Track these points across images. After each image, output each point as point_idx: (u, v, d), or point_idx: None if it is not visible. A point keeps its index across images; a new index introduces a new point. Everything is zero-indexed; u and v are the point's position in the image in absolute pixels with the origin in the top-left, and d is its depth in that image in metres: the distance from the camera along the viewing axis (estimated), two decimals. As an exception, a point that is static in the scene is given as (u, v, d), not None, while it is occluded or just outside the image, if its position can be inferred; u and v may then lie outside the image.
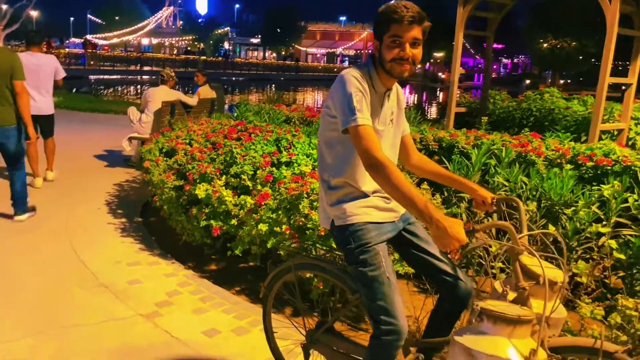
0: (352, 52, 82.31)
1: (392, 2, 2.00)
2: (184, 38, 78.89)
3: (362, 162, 1.92)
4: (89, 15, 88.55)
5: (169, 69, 7.85)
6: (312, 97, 36.97)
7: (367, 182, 2.09)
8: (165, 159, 4.76)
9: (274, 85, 45.00)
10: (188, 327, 3.19)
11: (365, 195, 2.10)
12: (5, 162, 4.89)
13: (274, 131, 4.65)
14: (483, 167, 4.03)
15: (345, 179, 2.10)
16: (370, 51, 2.13)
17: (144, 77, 41.59)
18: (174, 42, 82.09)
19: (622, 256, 2.72)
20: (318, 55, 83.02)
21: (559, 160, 3.96)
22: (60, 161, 6.93)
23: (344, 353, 2.38)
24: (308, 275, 3.15)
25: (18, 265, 3.96)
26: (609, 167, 3.63)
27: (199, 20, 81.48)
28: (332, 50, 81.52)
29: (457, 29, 5.88)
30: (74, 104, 14.28)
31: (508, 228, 1.91)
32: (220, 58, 57.77)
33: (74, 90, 23.80)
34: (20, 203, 4.92)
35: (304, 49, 79.12)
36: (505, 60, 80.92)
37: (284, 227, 3.46)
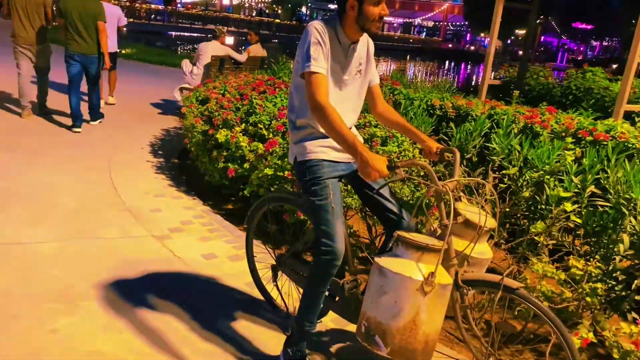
0: (430, 24, 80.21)
1: None
2: (263, 0, 79.60)
3: (308, 104, 2.22)
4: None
5: (220, 25, 8.25)
6: (381, 67, 36.61)
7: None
8: (199, 106, 5.19)
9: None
10: (191, 250, 3.63)
11: (324, 136, 2.39)
12: (86, 82, 6.48)
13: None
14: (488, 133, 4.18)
15: (307, 120, 2.39)
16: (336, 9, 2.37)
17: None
18: (253, 3, 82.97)
19: (579, 220, 2.87)
20: (395, 25, 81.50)
21: (563, 134, 4.06)
22: (120, 104, 7.56)
23: (303, 275, 2.72)
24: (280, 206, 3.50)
25: (61, 181, 4.55)
26: (605, 142, 3.71)
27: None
28: (410, 20, 79.70)
29: (496, 2, 5.89)
30: (146, 57, 15.10)
31: (426, 168, 2.17)
32: (294, 22, 57.96)
33: (157, 43, 24.87)
34: (95, 112, 6.71)
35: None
36: (594, 42, 76.27)
37: (286, 172, 3.81)
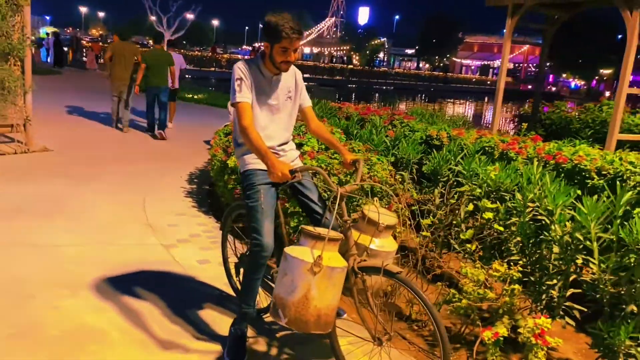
0: (510, 65, 79.17)
1: (280, 17, 2.80)
2: (341, 47, 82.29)
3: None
4: (261, 25, 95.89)
5: None
6: (458, 109, 36.61)
7: (259, 142, 2.93)
8: (223, 138, 5.90)
9: (416, 96, 45.28)
10: (189, 256, 4.24)
11: (257, 152, 2.95)
12: (158, 105, 9.54)
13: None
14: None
15: (243, 138, 2.96)
16: (262, 49, 2.94)
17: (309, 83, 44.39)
18: (333, 51, 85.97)
19: (500, 228, 3.19)
20: (473, 67, 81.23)
21: (535, 159, 4.35)
22: (176, 139, 8.52)
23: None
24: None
25: (103, 199, 5.37)
26: (564, 165, 3.98)
27: (358, 31, 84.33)
28: (488, 62, 79.07)
29: (505, 39, 6.26)
30: (214, 101, 16.40)
31: (320, 173, 2.66)
32: (367, 68, 59.35)
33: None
34: (162, 125, 9.65)
35: (459, 60, 78.03)
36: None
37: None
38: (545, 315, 2.83)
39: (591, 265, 2.93)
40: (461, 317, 3.27)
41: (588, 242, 2.90)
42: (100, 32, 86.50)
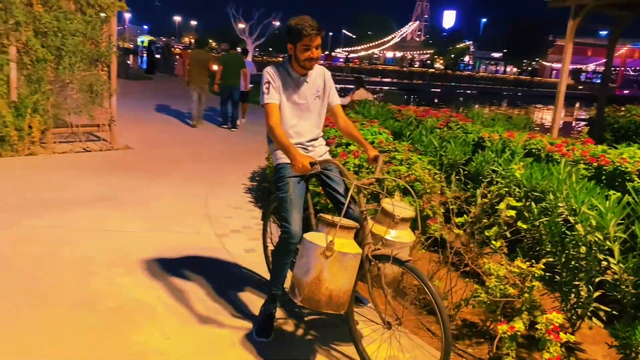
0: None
1: (299, 19, 3.05)
2: (425, 51, 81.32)
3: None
4: (344, 31, 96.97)
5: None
6: (537, 114, 35.17)
7: (290, 138, 3.18)
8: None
9: (499, 101, 43.89)
10: (238, 245, 4.57)
11: (289, 147, 3.20)
12: (231, 103, 11.28)
13: (359, 122, 5.76)
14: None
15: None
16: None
17: (382, 87, 44.51)
18: (415, 55, 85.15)
19: (524, 226, 3.23)
20: (564, 71, 77.23)
21: (581, 161, 4.30)
22: (246, 143, 8.99)
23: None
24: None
25: (169, 192, 5.84)
26: (605, 167, 3.92)
27: (443, 34, 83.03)
28: (581, 66, 75.00)
29: (566, 40, 6.14)
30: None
31: (338, 166, 2.86)
32: (449, 72, 58.28)
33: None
34: (234, 122, 11.41)
35: (549, 64, 74.67)
36: None
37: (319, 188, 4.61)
38: (558, 311, 2.87)
39: (612, 265, 2.92)
40: (485, 312, 3.35)
41: (608, 242, 2.90)
42: (192, 40, 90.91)
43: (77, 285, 3.62)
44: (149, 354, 2.90)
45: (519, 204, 3.31)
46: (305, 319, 3.44)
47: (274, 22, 25.54)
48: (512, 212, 3.24)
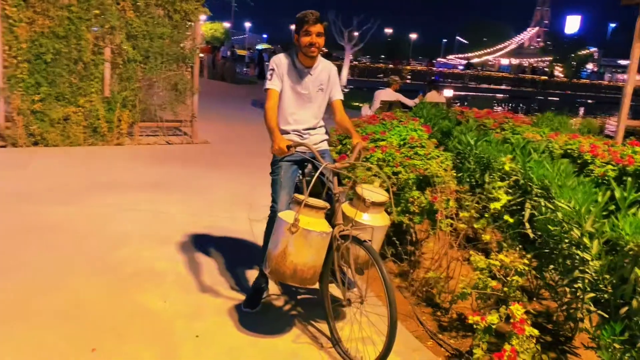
0: None
1: (303, 12, 3.27)
2: (543, 59, 77.19)
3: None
4: (457, 37, 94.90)
5: (394, 75, 9.45)
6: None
7: (287, 125, 3.40)
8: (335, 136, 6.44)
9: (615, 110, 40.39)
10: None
11: (286, 132, 3.42)
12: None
13: (402, 122, 5.83)
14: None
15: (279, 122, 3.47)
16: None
17: (497, 95, 42.76)
18: (533, 62, 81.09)
19: (511, 219, 3.16)
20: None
21: (612, 162, 4.10)
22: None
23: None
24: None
25: (224, 182, 6.29)
26: (628, 167, 3.72)
27: (564, 41, 78.32)
28: None
29: (634, 39, 5.78)
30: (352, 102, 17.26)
31: (311, 148, 3.04)
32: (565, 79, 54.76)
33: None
34: None
35: (688, 72, 67.48)
36: None
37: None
38: (521, 303, 2.82)
39: (591, 264, 2.81)
40: (479, 305, 3.33)
41: (585, 239, 2.80)
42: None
43: (108, 254, 4.10)
44: (141, 312, 3.26)
45: (509, 197, 3.27)
46: (298, 297, 3.64)
47: (372, 29, 25.76)
48: (498, 205, 3.21)
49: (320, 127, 3.56)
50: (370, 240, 2.83)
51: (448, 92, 17.85)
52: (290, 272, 2.87)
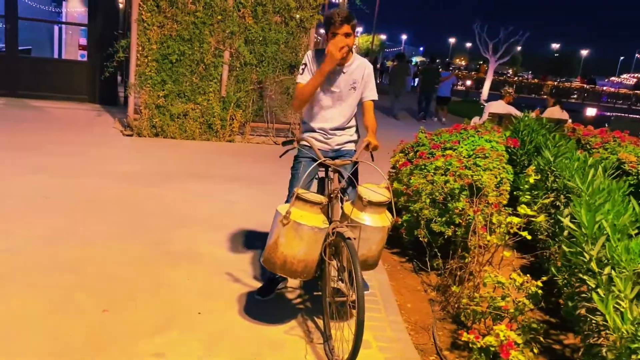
0: None
1: (332, 11, 3.29)
2: None
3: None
4: (637, 55, 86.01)
5: (508, 87, 8.87)
6: None
7: (314, 122, 3.46)
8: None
9: None
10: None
11: (312, 130, 3.48)
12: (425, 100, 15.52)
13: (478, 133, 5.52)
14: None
15: (305, 118, 3.54)
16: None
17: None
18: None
19: (528, 236, 2.85)
20: None
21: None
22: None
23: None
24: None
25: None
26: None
27: None
28: None
29: None
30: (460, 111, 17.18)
31: (312, 146, 3.03)
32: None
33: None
34: (426, 113, 15.45)
35: None
36: None
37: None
38: (509, 325, 2.56)
39: (596, 291, 2.47)
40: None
41: (593, 264, 2.46)
42: (463, 62, 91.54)
43: (165, 232, 4.48)
44: (164, 284, 3.53)
45: (532, 212, 2.98)
46: (314, 293, 3.64)
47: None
48: (516, 219, 2.94)
49: (349, 127, 3.54)
50: (355, 238, 2.77)
51: (591, 111, 16.36)
52: (281, 263, 2.91)
